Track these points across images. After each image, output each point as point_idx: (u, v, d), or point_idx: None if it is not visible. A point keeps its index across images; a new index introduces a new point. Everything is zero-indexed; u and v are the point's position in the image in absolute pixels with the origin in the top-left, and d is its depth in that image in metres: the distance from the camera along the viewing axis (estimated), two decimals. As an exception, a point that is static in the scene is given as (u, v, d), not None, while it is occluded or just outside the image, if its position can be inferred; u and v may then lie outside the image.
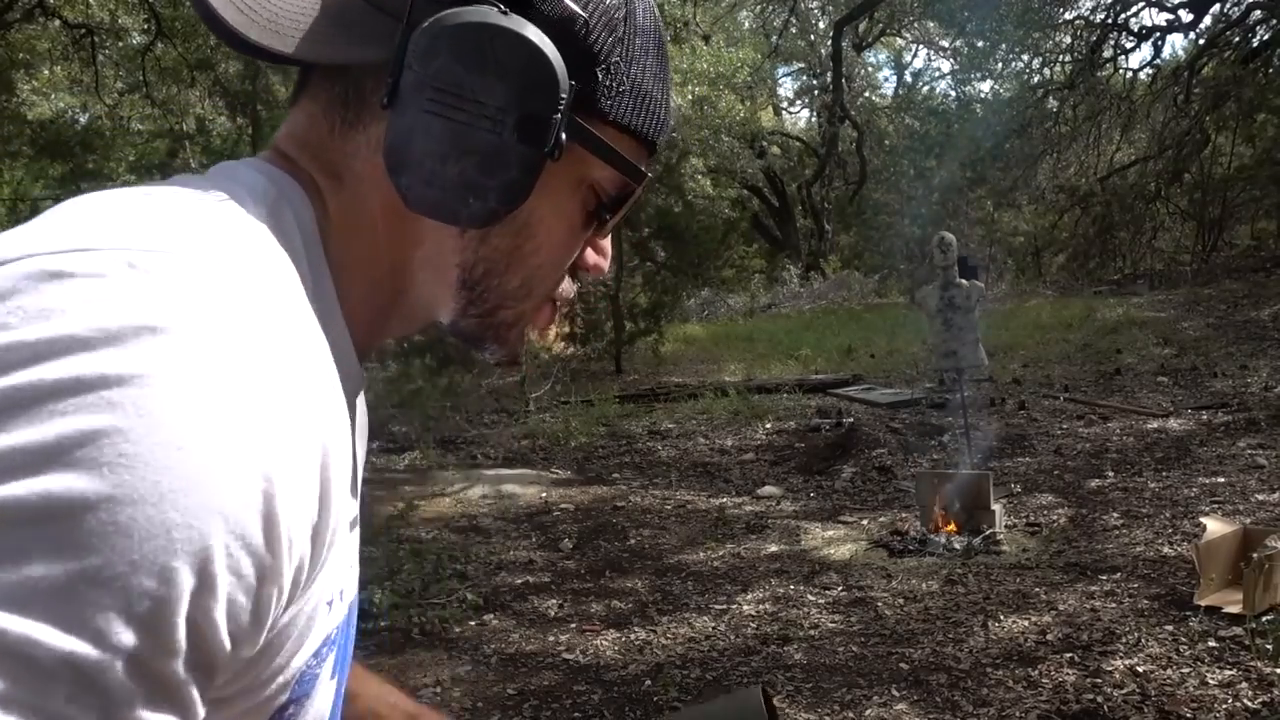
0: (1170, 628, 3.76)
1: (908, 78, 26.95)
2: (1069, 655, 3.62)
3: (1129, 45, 15.94)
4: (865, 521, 5.71)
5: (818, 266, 20.11)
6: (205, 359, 0.44)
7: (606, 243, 0.70)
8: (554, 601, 4.61)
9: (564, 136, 0.59)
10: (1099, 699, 3.26)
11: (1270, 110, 14.87)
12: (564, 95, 0.58)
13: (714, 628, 4.18)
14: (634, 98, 0.64)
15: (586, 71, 0.61)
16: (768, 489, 6.59)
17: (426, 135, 0.57)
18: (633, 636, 4.13)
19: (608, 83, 0.62)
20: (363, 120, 0.61)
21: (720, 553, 5.25)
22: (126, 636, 0.39)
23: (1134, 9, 15.35)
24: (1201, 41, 15.35)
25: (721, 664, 3.81)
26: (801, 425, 8.09)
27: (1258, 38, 14.66)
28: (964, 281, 5.77)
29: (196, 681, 0.43)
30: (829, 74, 18.44)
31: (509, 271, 0.64)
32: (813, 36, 23.23)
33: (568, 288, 0.69)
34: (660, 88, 0.66)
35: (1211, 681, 3.31)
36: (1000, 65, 18.56)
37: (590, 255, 0.69)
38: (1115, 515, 5.28)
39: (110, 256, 0.45)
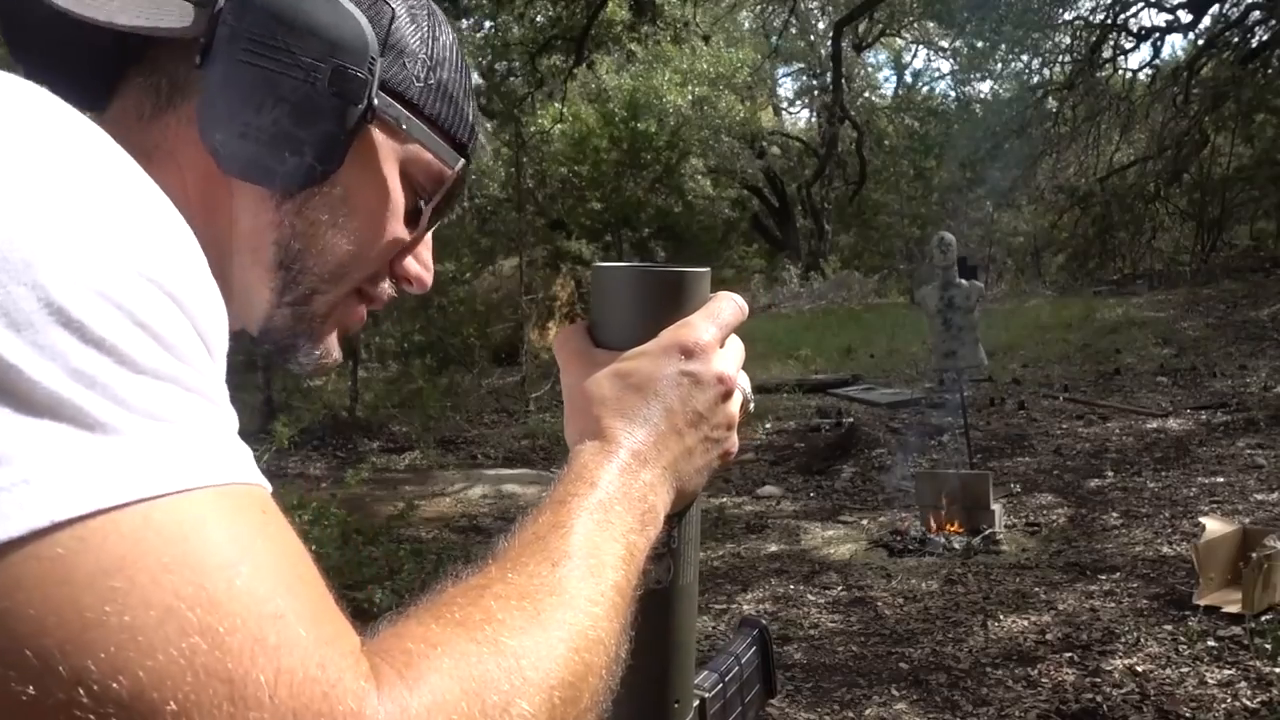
0: (1169, 627, 3.76)
1: (907, 78, 27.00)
2: (1068, 655, 3.63)
3: (1128, 46, 15.96)
4: (865, 521, 5.72)
5: (817, 267, 20.11)
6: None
7: (428, 254, 0.71)
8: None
9: (375, 101, 0.61)
10: (1098, 698, 3.27)
11: (1269, 110, 14.88)
12: (374, 58, 0.60)
13: (714, 627, 4.18)
14: (440, 95, 0.66)
15: (392, 54, 0.63)
16: (768, 489, 6.59)
17: (239, 86, 0.57)
18: (633, 636, 4.13)
19: (416, 72, 0.64)
20: (174, 102, 0.60)
21: (720, 552, 5.26)
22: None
23: (1133, 9, 15.36)
24: (1200, 42, 15.36)
25: (722, 663, 3.81)
26: (801, 425, 8.09)
27: (1257, 38, 14.66)
28: (964, 281, 5.79)
29: None
30: (829, 74, 18.45)
31: (325, 250, 0.62)
32: (813, 36, 23.24)
33: (386, 289, 0.68)
34: (464, 96, 0.68)
35: (1211, 681, 3.32)
36: (1000, 65, 18.60)
37: (412, 265, 0.69)
38: (1114, 515, 5.29)
39: None
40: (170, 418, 0.40)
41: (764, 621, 0.85)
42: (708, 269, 0.67)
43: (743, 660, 0.79)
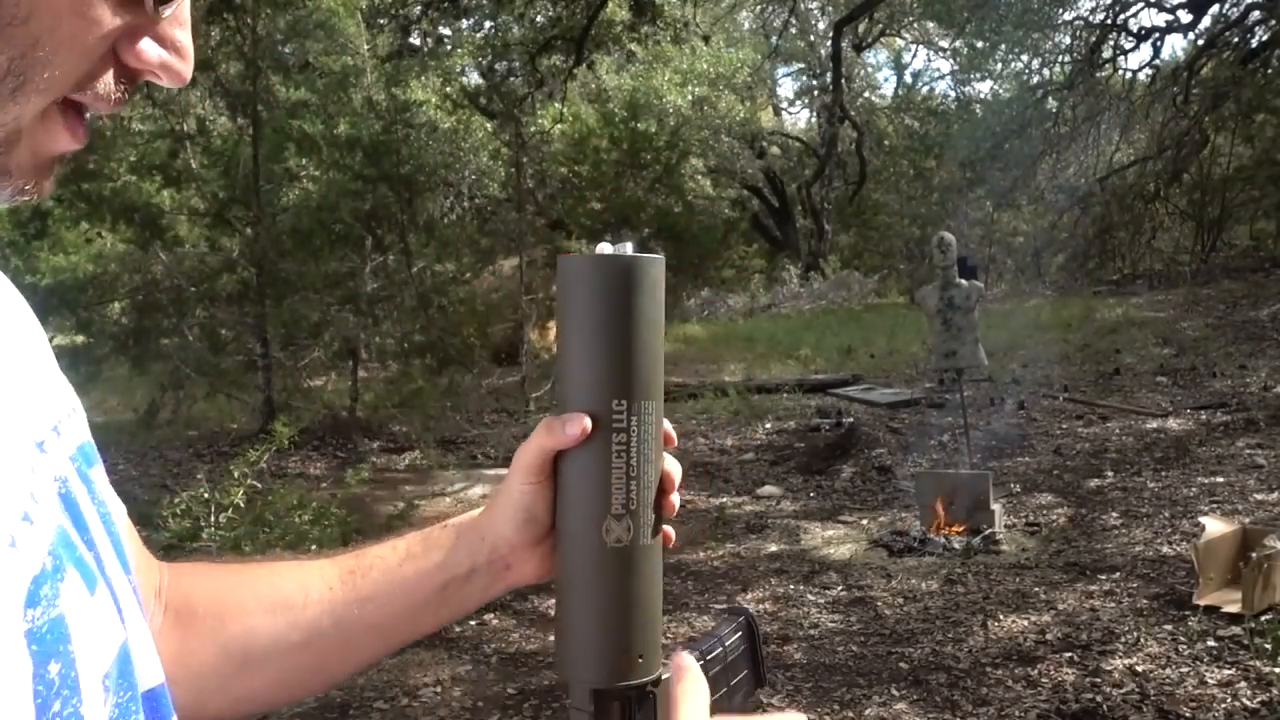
0: (1169, 627, 3.77)
1: (907, 78, 27.04)
2: (1068, 655, 3.63)
3: (1128, 46, 15.95)
4: (865, 521, 5.72)
5: (817, 266, 20.11)
6: None
7: (181, 33, 0.51)
8: (555, 601, 4.63)
9: None
10: (1098, 698, 3.28)
11: (1269, 110, 14.89)
12: None
13: (714, 626, 4.18)
14: None
15: None
16: (768, 489, 6.60)
17: None
18: (633, 636, 4.14)
19: None
20: None
21: (720, 552, 5.26)
22: None
23: (1133, 9, 15.37)
24: (1200, 42, 15.36)
25: (722, 663, 3.82)
26: (801, 425, 8.09)
27: (1256, 38, 14.67)
28: (963, 281, 5.77)
29: None
30: (829, 74, 18.45)
31: None
32: (813, 37, 23.25)
33: (107, 91, 0.49)
34: None
35: (1210, 681, 3.32)
36: (999, 65, 18.60)
37: (151, 50, 0.49)
38: (1114, 515, 5.29)
39: None
40: None
41: (750, 609, 0.86)
42: (660, 256, 0.68)
43: (727, 643, 0.80)
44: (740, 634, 0.82)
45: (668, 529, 0.69)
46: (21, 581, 0.43)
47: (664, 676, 0.68)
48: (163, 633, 0.72)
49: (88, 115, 0.51)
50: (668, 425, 0.70)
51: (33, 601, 0.43)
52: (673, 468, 0.69)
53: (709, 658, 0.76)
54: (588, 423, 0.65)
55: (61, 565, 0.46)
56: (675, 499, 0.68)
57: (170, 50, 0.50)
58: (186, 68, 0.51)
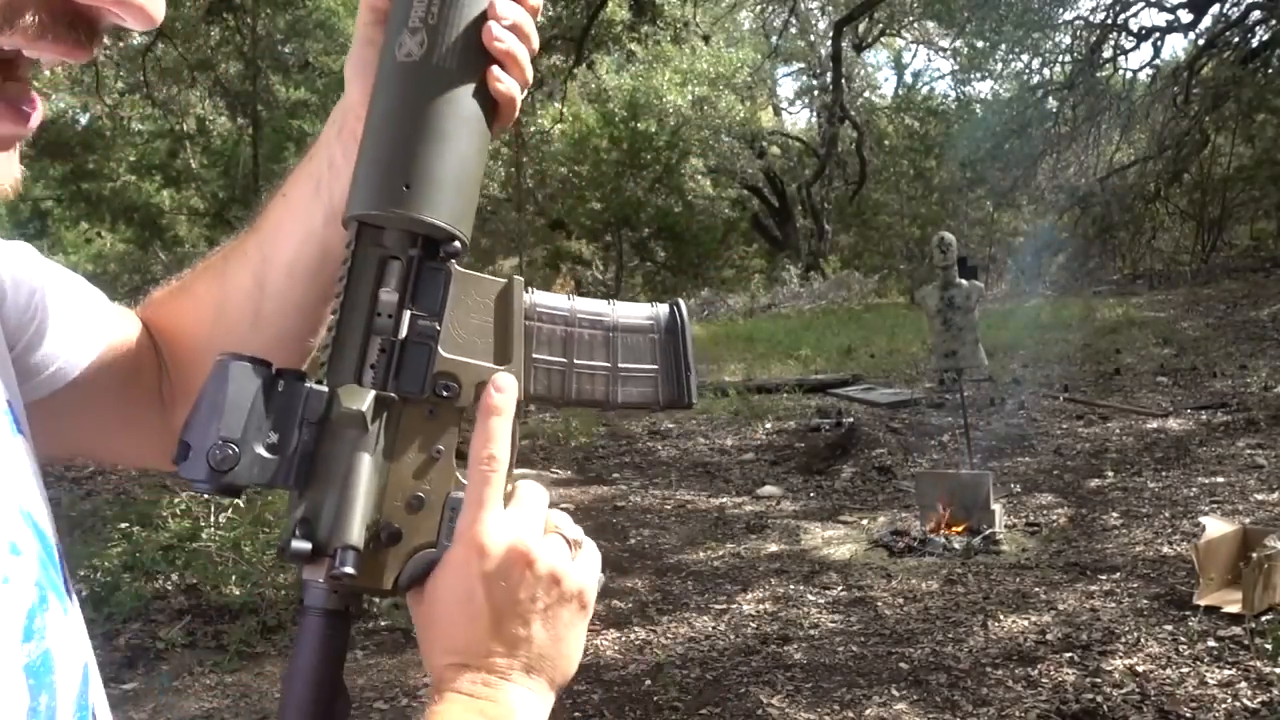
0: (1170, 627, 3.76)
1: (907, 78, 27.03)
2: (1069, 655, 3.63)
3: (1128, 45, 15.95)
4: (865, 521, 5.72)
5: (818, 266, 20.11)
6: None
7: None
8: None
9: None
10: (1098, 698, 3.27)
11: (1269, 110, 14.89)
12: None
13: (714, 627, 4.18)
14: None
15: None
16: (768, 489, 6.59)
17: None
18: (633, 636, 4.14)
19: None
20: None
21: (720, 552, 5.26)
22: None
23: (1133, 9, 15.37)
24: (1201, 42, 15.36)
25: (721, 663, 3.82)
26: (801, 425, 8.09)
27: (1257, 38, 14.67)
28: (964, 281, 5.78)
29: None
30: (829, 74, 18.46)
31: None
32: (813, 36, 23.24)
33: (30, 26, 0.42)
34: None
35: (1211, 681, 3.32)
36: (1000, 65, 18.59)
37: None
38: (1115, 515, 5.29)
39: None
40: None
41: (683, 302, 0.69)
42: None
43: (620, 314, 0.67)
44: (648, 315, 0.67)
45: (501, 78, 0.61)
46: (18, 616, 0.42)
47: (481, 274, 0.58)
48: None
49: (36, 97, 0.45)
50: None
51: (28, 635, 0.43)
52: (515, 12, 0.62)
53: (567, 315, 0.65)
54: None
55: (45, 594, 0.45)
56: (501, 33, 0.60)
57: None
58: (157, 7, 0.44)
